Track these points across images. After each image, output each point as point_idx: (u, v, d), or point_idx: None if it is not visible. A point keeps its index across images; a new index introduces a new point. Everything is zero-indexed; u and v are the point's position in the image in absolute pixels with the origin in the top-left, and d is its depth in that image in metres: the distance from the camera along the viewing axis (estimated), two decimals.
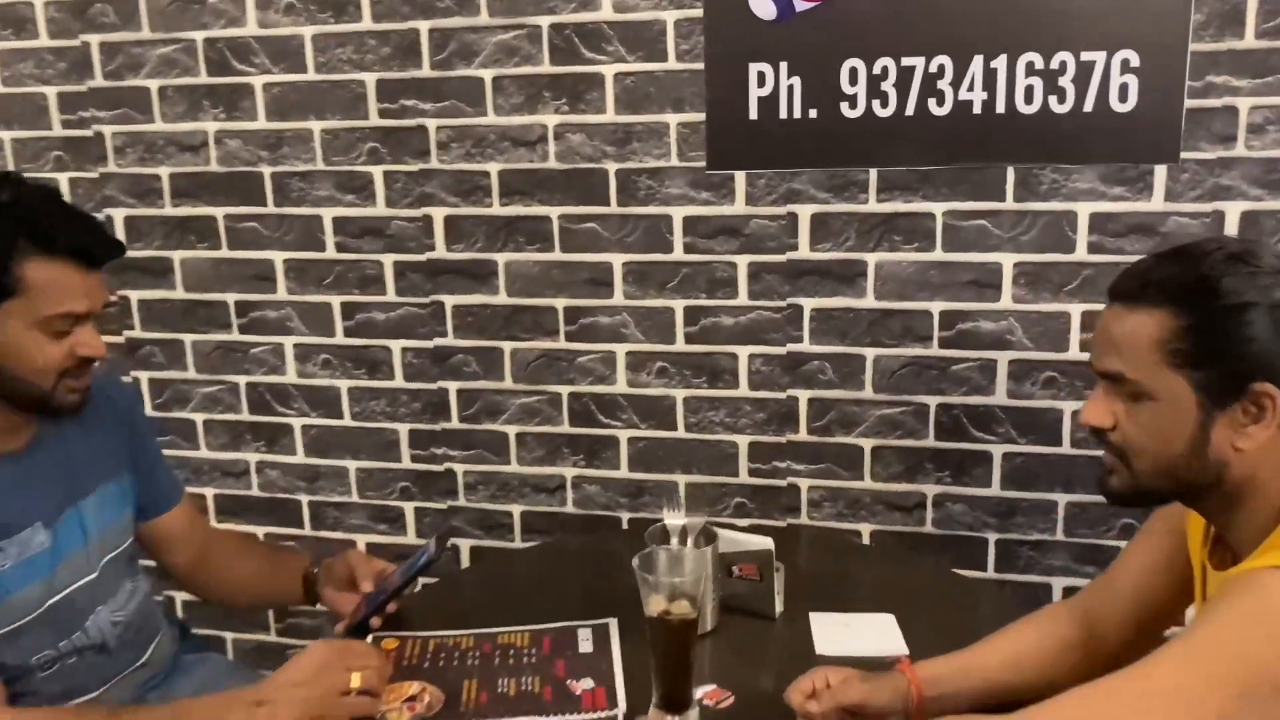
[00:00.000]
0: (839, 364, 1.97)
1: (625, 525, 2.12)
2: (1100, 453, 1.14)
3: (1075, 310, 1.86)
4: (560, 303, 2.05)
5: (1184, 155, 1.76)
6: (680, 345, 2.02)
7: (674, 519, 1.48)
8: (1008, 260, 1.86)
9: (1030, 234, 1.85)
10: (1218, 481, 1.08)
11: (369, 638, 1.44)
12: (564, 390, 2.09)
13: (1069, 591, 1.92)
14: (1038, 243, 1.85)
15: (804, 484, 2.04)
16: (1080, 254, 1.84)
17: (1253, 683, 0.95)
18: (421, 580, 1.63)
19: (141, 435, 1.59)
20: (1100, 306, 1.12)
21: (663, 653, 1.23)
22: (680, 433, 2.06)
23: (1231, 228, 1.77)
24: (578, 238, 2.01)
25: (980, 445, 1.94)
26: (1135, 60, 1.73)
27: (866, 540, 2.03)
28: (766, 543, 1.48)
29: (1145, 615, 1.27)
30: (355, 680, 1.26)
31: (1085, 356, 1.83)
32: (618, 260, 2.00)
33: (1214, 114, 1.74)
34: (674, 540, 1.45)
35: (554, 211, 2.01)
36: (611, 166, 1.96)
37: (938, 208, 1.86)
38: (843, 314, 1.94)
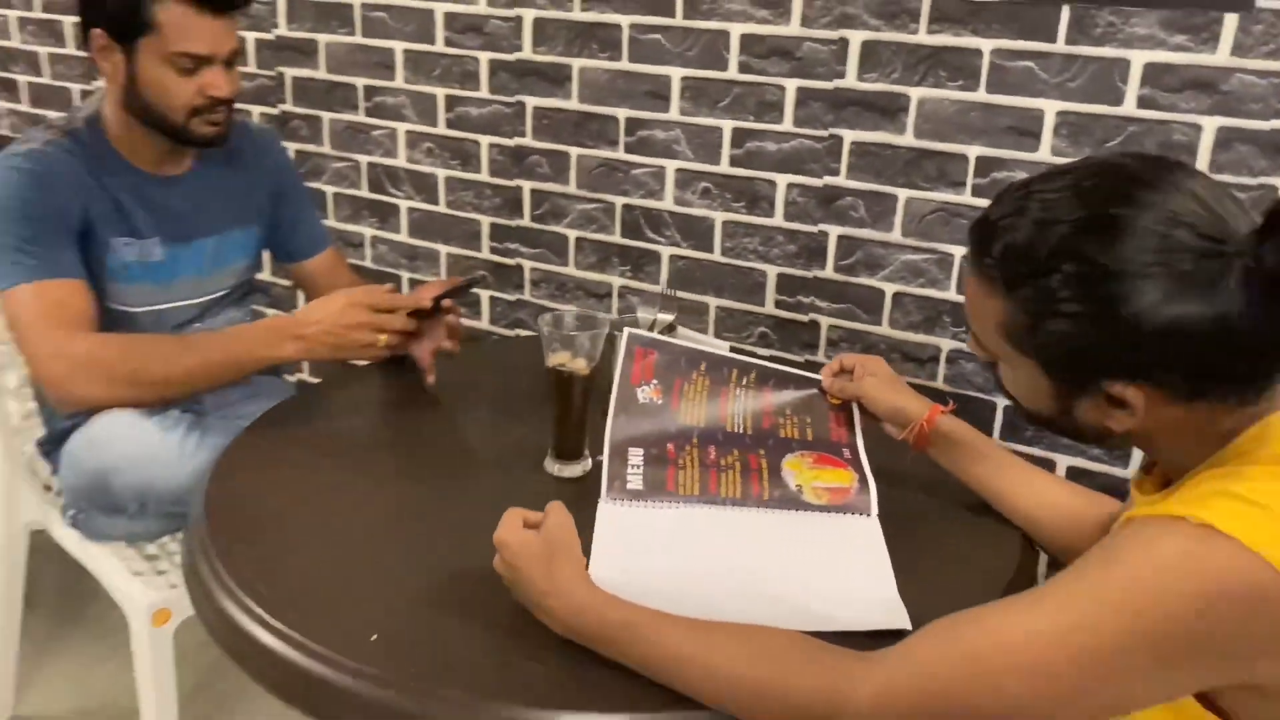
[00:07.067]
0: (871, 202, 1.91)
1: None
2: None
3: None
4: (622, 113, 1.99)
5: (1260, 4, 1.52)
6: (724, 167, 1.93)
7: (647, 314, 1.60)
8: (1050, 107, 1.73)
9: (1078, 81, 1.73)
10: (1102, 438, 0.95)
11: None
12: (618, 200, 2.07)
13: (1072, 472, 1.87)
14: (1085, 91, 1.69)
15: (825, 321, 1.97)
16: (1129, 108, 1.67)
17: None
18: None
19: (288, 188, 1.83)
20: None
21: (557, 404, 1.32)
22: (716, 255, 2.02)
23: None
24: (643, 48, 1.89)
25: None
26: None
27: None
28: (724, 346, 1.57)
29: None
30: (382, 339, 1.48)
31: None
32: (676, 74, 1.88)
33: None
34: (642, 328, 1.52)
35: (624, 20, 1.87)
36: None
37: (986, 44, 1.78)
38: (880, 149, 1.89)
